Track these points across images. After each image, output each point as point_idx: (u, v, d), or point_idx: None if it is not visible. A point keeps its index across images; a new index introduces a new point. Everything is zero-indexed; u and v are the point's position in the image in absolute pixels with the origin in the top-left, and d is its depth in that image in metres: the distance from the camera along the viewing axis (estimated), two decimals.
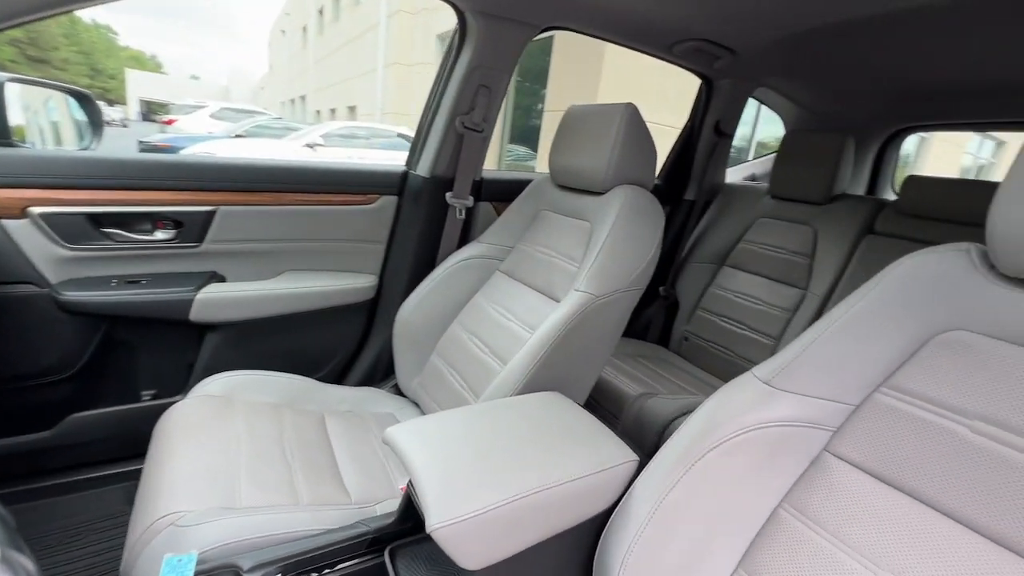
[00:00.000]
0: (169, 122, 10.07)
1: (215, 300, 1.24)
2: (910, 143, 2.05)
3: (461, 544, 0.59)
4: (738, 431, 0.63)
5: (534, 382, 0.94)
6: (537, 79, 8.36)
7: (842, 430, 0.62)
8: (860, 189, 2.08)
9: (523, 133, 9.28)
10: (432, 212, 1.40)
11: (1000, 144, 12.61)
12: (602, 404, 1.47)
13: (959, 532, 0.51)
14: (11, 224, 1.02)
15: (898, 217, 1.48)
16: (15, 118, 1.23)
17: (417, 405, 1.30)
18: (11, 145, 1.09)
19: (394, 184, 1.41)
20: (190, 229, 1.20)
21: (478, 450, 0.70)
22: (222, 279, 1.28)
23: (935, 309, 0.59)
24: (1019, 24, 1.09)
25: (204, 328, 1.27)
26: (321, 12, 17.94)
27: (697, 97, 1.79)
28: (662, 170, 1.97)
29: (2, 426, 1.13)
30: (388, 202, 1.41)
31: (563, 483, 0.66)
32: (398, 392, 1.38)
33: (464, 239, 1.48)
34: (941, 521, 0.52)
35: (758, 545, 0.62)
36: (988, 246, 0.57)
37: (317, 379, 1.30)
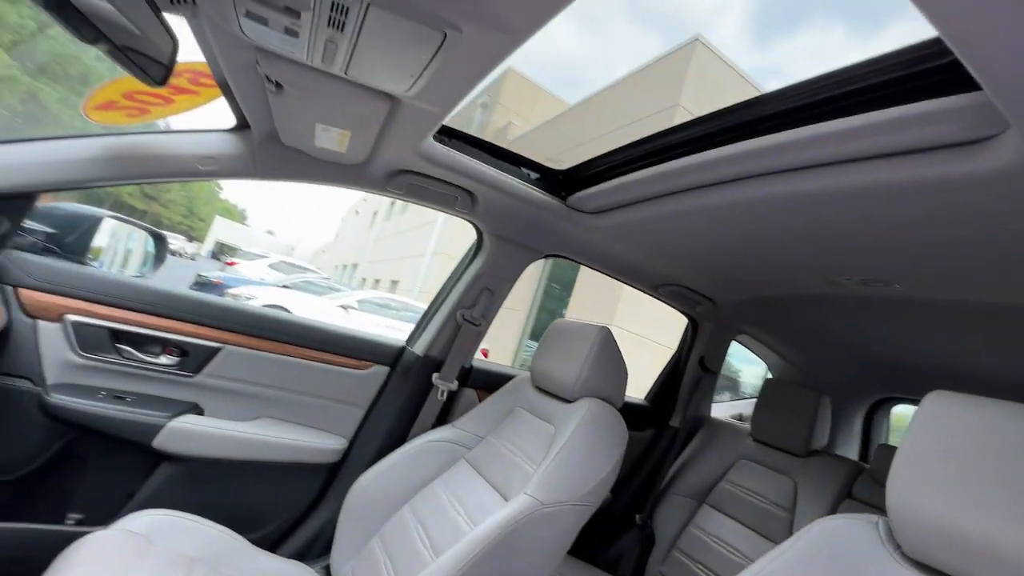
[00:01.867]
0: (231, 263, 11.21)
1: (185, 431, 1.26)
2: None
3: None
4: None
5: None
6: (568, 287, 9.24)
7: None
8: (852, 452, 2.07)
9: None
10: (416, 389, 1.47)
11: None
12: None
13: None
14: (45, 326, 1.15)
15: (875, 485, 1.45)
16: (99, 241, 1.48)
17: None
18: (81, 262, 1.30)
19: (390, 356, 1.52)
20: (192, 359, 1.30)
21: None
22: (199, 412, 1.32)
23: None
24: (992, 326, 1.19)
25: (161, 457, 1.27)
26: (393, 203, 21.22)
27: (684, 332, 1.97)
28: (649, 392, 2.04)
29: None
30: (379, 371, 1.51)
31: None
32: (327, 574, 1.26)
33: (442, 420, 1.51)
34: None
35: None
36: (890, 523, 0.59)
37: (252, 539, 1.22)
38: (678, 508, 1.78)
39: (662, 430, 1.96)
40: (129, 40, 0.62)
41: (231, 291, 7.21)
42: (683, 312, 1.85)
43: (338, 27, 0.60)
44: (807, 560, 0.62)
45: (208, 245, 34.55)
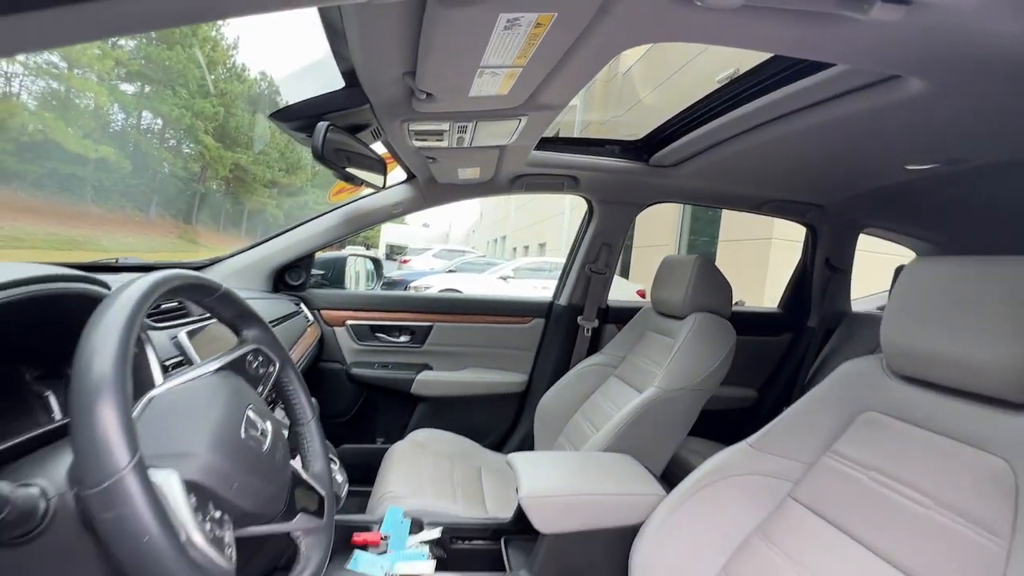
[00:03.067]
0: (404, 261, 13.11)
1: (426, 381, 1.93)
2: None
3: (537, 512, 1.01)
4: (728, 475, 0.95)
5: (615, 446, 1.32)
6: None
7: (801, 482, 0.90)
8: None
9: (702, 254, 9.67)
10: (568, 331, 1.94)
11: None
12: None
13: (856, 548, 0.75)
14: (337, 329, 1.89)
15: None
16: (347, 270, 2.22)
17: None
18: (342, 287, 2.03)
19: (543, 310, 2.01)
20: (418, 336, 1.95)
21: (559, 470, 1.13)
22: (431, 369, 1.98)
23: (858, 397, 0.88)
24: None
25: (417, 399, 1.96)
26: None
27: (804, 240, 2.07)
28: (781, 300, 2.20)
29: None
30: (538, 323, 2.01)
31: (601, 493, 1.05)
32: None
33: (593, 349, 1.96)
34: (852, 544, 0.77)
35: (736, 559, 0.90)
36: (885, 355, 0.86)
37: (483, 445, 1.84)
38: None
39: (800, 333, 2.12)
40: (368, 177, 1.17)
41: (413, 284, 8.62)
42: (796, 221, 1.97)
43: (463, 131, 1.04)
44: (831, 389, 0.91)
45: (382, 249, 40.14)
